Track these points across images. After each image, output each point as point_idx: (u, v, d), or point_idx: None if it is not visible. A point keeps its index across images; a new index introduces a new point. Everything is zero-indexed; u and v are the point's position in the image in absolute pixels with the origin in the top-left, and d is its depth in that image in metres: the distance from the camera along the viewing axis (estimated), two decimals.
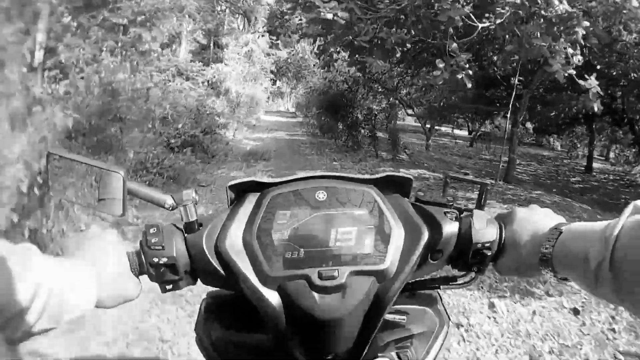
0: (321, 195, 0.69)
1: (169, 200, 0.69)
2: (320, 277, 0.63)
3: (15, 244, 0.52)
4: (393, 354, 0.71)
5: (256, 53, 21.05)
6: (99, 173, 0.68)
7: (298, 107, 26.25)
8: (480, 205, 0.76)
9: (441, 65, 4.83)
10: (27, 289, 0.49)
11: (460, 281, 0.75)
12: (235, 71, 18.02)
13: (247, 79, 19.00)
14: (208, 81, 15.68)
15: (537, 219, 0.67)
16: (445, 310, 0.78)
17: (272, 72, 33.64)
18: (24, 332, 0.50)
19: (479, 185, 0.78)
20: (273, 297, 0.63)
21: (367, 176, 0.72)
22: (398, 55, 7.33)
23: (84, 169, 0.69)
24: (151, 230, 0.66)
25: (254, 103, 19.30)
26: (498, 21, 4.68)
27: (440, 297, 0.79)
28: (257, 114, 20.20)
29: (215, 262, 0.66)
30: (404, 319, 0.73)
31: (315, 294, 0.63)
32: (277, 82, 36.81)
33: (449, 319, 0.77)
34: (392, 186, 0.73)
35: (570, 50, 4.63)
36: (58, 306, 0.53)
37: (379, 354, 0.70)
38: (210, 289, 0.74)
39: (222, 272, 0.66)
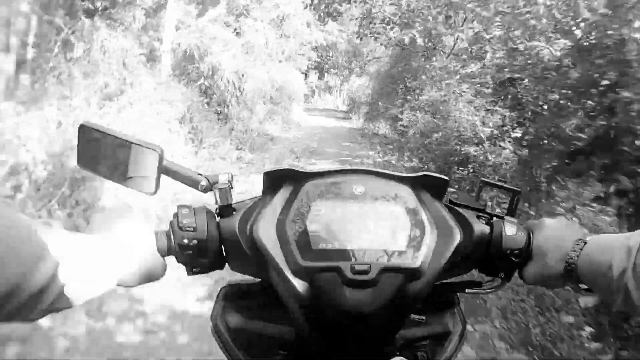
0: (358, 189, 0.68)
1: (203, 182, 0.69)
2: (352, 271, 0.62)
3: (34, 220, 0.51)
4: (410, 353, 0.71)
5: (292, 21, 13.47)
6: (133, 148, 0.67)
7: (353, 106, 19.12)
8: (511, 212, 0.75)
9: None
10: (47, 268, 0.48)
11: (486, 286, 0.76)
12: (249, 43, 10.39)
13: (273, 57, 11.56)
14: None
15: (563, 230, 0.68)
16: (462, 313, 0.77)
17: (316, 60, 26.03)
18: (41, 310, 0.49)
19: (511, 192, 0.77)
20: (302, 287, 0.62)
21: (404, 174, 0.72)
22: None
23: (117, 143, 0.68)
24: (183, 211, 0.66)
25: (284, 97, 11.71)
26: None
27: (458, 300, 0.78)
28: (289, 114, 13.16)
29: (247, 248, 0.66)
30: (423, 319, 0.73)
31: (346, 288, 0.62)
32: (323, 73, 29.07)
33: (466, 322, 0.77)
34: (428, 186, 0.72)
35: None
36: (78, 286, 0.53)
37: (397, 353, 0.70)
38: (233, 276, 0.74)
39: (252, 258, 0.66)
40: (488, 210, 0.74)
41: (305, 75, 30.51)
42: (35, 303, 0.48)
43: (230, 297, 0.74)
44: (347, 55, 25.74)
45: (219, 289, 0.75)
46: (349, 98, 23.98)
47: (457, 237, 0.66)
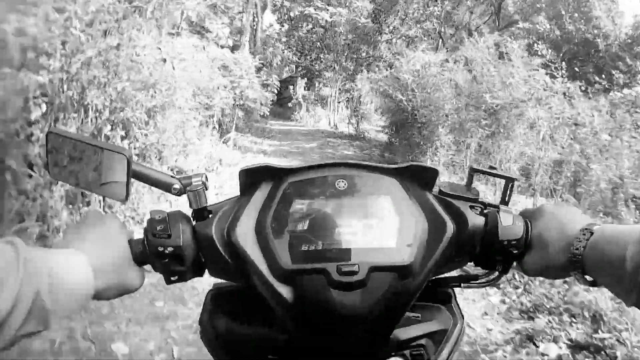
0: (341, 184, 0.65)
1: (176, 185, 0.66)
2: (339, 272, 0.59)
3: None
4: (407, 352, 0.67)
5: None
6: (102, 154, 0.65)
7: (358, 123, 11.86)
8: (505, 201, 0.70)
9: None
10: (8, 296, 0.44)
11: (482, 280, 0.72)
12: None
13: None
14: None
15: (565, 218, 0.64)
16: (459, 308, 0.74)
17: (299, 51, 20.50)
18: (9, 338, 0.46)
19: (504, 180, 0.72)
20: (287, 292, 0.59)
21: (390, 165, 0.69)
22: None
23: (86, 149, 0.66)
24: (157, 217, 0.63)
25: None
26: None
27: (455, 295, 0.75)
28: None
29: (225, 253, 0.63)
30: (418, 317, 0.69)
31: (333, 290, 0.59)
32: (312, 80, 21.38)
33: (463, 317, 0.73)
34: (416, 177, 0.69)
35: None
36: (47, 306, 0.48)
37: (392, 353, 0.66)
38: (218, 280, 0.71)
39: (232, 263, 0.63)
40: (481, 199, 0.70)
41: (291, 85, 22.06)
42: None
43: (219, 299, 0.72)
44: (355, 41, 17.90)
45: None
46: (351, 111, 16.08)
47: (450, 230, 0.64)
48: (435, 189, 0.70)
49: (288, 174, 0.66)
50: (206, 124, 8.62)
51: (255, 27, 21.99)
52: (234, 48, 15.61)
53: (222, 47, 10.03)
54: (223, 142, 9.51)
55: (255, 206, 0.64)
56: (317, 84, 22.87)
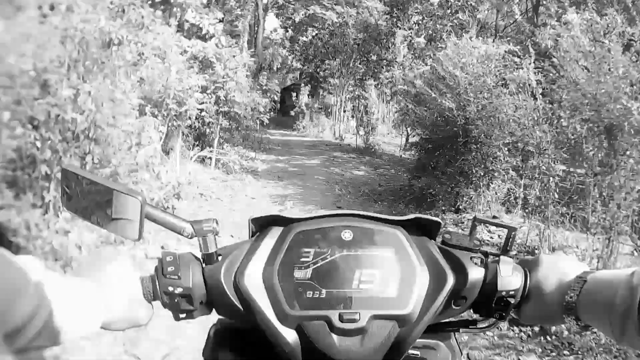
0: (347, 235, 0.68)
1: (188, 229, 0.68)
2: (341, 319, 0.62)
3: (18, 257, 0.50)
4: None
5: None
6: (115, 194, 0.66)
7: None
8: (506, 251, 0.72)
9: None
10: (27, 305, 0.48)
11: (480, 325, 0.74)
12: None
13: None
14: None
15: (562, 267, 0.66)
16: (458, 344, 0.77)
17: (303, 56, 20.89)
18: (23, 346, 0.49)
19: (506, 229, 0.74)
20: (291, 336, 0.63)
21: (395, 217, 0.71)
22: None
23: (99, 189, 0.67)
24: (167, 259, 0.66)
25: None
26: None
27: (453, 332, 0.77)
28: None
29: (232, 296, 0.66)
30: (417, 355, 0.72)
31: (335, 336, 0.62)
32: (317, 88, 20.13)
33: (462, 353, 0.76)
34: (420, 228, 0.71)
35: None
36: (59, 326, 0.52)
37: None
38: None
39: (239, 306, 0.66)
40: (481, 249, 0.72)
41: (294, 92, 20.68)
42: (14, 339, 0.47)
43: (222, 334, 0.74)
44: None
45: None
46: (358, 120, 14.22)
47: (450, 281, 0.66)
48: (441, 239, 0.72)
49: (296, 222, 0.69)
50: (182, 135, 6.70)
51: (256, 29, 20.20)
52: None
53: (204, 39, 8.04)
54: (198, 160, 7.56)
55: (264, 253, 0.66)
56: (321, 92, 21.03)
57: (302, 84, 21.58)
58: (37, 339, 0.49)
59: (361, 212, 0.70)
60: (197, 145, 7.94)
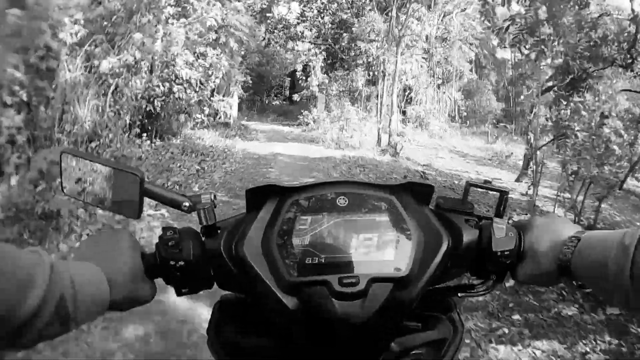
0: (342, 201, 0.69)
1: (186, 203, 0.70)
2: (340, 283, 0.63)
3: (24, 250, 0.52)
4: None
5: None
6: (114, 173, 0.68)
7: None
8: (499, 213, 0.74)
9: None
10: (36, 295, 0.49)
11: (478, 289, 0.75)
12: None
13: None
14: None
15: (555, 228, 0.68)
16: (460, 317, 0.78)
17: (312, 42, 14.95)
18: (33, 337, 0.51)
19: (499, 193, 0.76)
20: (291, 303, 0.64)
21: (388, 183, 0.73)
22: None
23: (98, 169, 0.69)
24: (168, 234, 0.67)
25: None
26: None
27: (455, 304, 0.79)
28: None
29: (233, 267, 0.67)
30: (418, 326, 0.73)
31: (335, 301, 0.63)
32: (334, 63, 12.69)
33: (463, 326, 0.77)
34: (413, 193, 0.73)
35: None
36: (68, 313, 0.53)
37: None
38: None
39: (239, 276, 0.67)
40: (475, 212, 0.74)
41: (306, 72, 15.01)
42: (27, 330, 0.48)
43: (226, 309, 0.75)
44: None
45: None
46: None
47: (445, 242, 0.67)
48: (433, 204, 0.74)
49: (291, 192, 0.70)
50: None
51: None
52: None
53: None
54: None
55: (261, 223, 0.67)
56: (341, 70, 14.53)
57: (314, 54, 14.99)
58: (47, 329, 0.50)
59: (355, 179, 0.74)
60: None
